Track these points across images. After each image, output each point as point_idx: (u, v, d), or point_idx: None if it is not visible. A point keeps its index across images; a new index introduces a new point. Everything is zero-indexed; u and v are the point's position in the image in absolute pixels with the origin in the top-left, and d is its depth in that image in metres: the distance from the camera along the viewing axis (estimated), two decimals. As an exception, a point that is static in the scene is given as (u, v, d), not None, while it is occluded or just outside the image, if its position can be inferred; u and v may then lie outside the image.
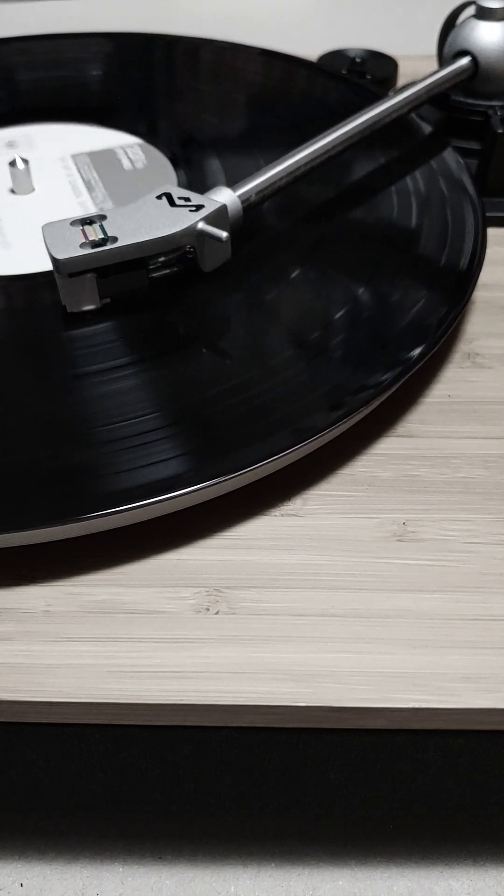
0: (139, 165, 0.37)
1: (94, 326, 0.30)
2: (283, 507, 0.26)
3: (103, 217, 0.30)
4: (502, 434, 0.29)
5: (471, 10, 0.41)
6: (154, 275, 0.31)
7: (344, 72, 0.47)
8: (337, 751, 0.23)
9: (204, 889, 0.26)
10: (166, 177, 0.38)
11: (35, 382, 0.28)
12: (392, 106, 0.37)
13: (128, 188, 0.37)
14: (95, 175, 0.37)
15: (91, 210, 0.36)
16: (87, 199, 0.36)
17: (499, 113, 0.40)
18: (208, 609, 0.23)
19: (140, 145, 0.39)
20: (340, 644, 0.23)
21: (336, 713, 0.22)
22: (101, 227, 0.29)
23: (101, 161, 0.38)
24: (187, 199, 0.31)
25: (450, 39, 0.42)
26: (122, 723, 0.22)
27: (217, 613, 0.23)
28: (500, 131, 0.38)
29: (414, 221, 0.35)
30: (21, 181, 0.37)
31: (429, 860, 0.26)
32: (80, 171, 0.38)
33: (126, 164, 0.37)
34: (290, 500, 0.26)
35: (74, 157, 0.39)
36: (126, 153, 0.39)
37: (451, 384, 0.31)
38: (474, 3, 0.41)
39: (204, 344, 0.30)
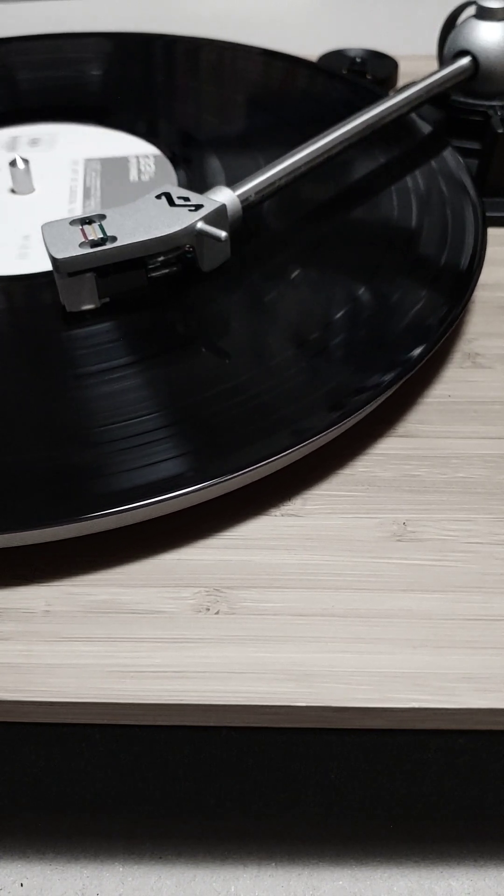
0: (145, 178, 0.37)
1: (94, 326, 0.30)
2: (283, 507, 0.26)
3: (103, 217, 0.30)
4: (502, 434, 0.29)
5: (471, 10, 0.41)
6: (153, 274, 0.31)
7: (344, 72, 0.47)
8: (337, 751, 0.23)
9: (204, 889, 0.26)
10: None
11: (35, 382, 0.28)
12: (392, 106, 0.37)
13: (124, 200, 0.37)
14: (98, 183, 0.37)
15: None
16: (79, 207, 0.36)
17: (499, 113, 0.40)
18: (208, 609, 0.23)
19: (155, 157, 0.39)
20: (340, 644, 0.23)
21: (336, 713, 0.22)
22: (101, 227, 0.29)
23: (110, 169, 0.38)
24: (186, 199, 0.31)
25: (450, 39, 0.42)
26: (122, 723, 0.22)
27: (217, 613, 0.23)
28: (500, 131, 0.38)
29: (414, 221, 0.35)
30: (21, 181, 0.37)
31: (429, 860, 0.26)
32: (85, 177, 0.38)
33: (133, 175, 0.37)
34: (290, 500, 0.26)
35: (87, 161, 0.39)
36: (138, 163, 0.38)
37: (451, 384, 0.31)
38: (474, 3, 0.41)
39: (203, 344, 0.30)
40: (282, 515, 0.26)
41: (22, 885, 0.26)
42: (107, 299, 0.30)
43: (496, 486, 0.27)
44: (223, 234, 0.29)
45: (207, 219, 0.30)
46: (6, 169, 0.38)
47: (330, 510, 0.26)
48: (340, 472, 0.27)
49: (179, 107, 0.44)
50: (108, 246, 0.29)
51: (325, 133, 0.34)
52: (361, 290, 0.31)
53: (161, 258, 0.30)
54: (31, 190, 0.37)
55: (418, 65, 0.48)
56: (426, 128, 0.40)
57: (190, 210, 0.30)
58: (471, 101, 0.41)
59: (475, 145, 0.40)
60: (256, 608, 0.23)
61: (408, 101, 0.37)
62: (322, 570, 0.24)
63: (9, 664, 0.22)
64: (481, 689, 0.22)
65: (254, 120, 0.43)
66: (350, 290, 0.31)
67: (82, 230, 0.29)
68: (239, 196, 0.31)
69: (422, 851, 0.26)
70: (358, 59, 0.48)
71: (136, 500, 0.24)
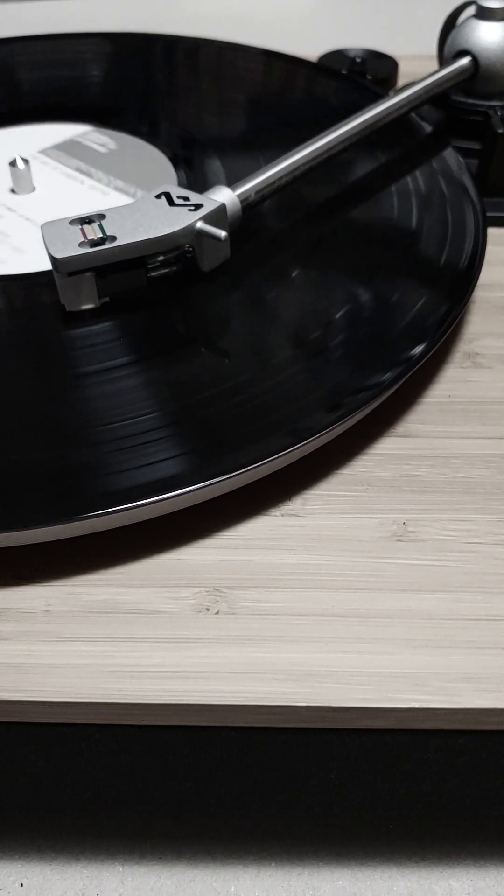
0: (112, 146, 0.37)
1: (93, 326, 0.30)
2: (283, 507, 0.26)
3: (102, 216, 0.30)
4: (502, 434, 0.29)
5: (471, 10, 0.41)
6: (153, 274, 0.31)
7: (344, 72, 0.47)
8: (337, 751, 0.23)
9: (204, 889, 0.26)
10: (141, 154, 0.38)
11: (35, 382, 0.28)
12: (392, 106, 0.37)
13: (119, 165, 0.37)
14: (81, 162, 0.37)
15: (105, 191, 0.35)
16: (95, 182, 0.36)
17: (499, 113, 0.40)
18: (208, 609, 0.23)
19: (95, 131, 0.39)
20: (340, 644, 0.23)
21: (336, 713, 0.22)
22: (100, 226, 0.29)
23: (74, 150, 0.38)
24: (186, 199, 0.31)
25: (450, 39, 0.42)
26: (122, 723, 0.22)
27: (217, 613, 0.23)
28: (500, 131, 0.38)
29: (414, 221, 0.35)
30: (21, 181, 0.37)
31: (429, 860, 0.26)
32: (61, 163, 0.38)
33: (98, 148, 0.37)
34: (290, 500, 0.26)
35: (43, 151, 0.39)
36: (90, 140, 0.39)
37: (451, 384, 0.31)
38: (474, 3, 0.41)
39: (203, 343, 0.30)
40: (282, 515, 0.26)
41: (22, 885, 0.26)
42: (106, 299, 0.30)
43: (496, 486, 0.27)
44: (223, 233, 0.29)
45: (207, 218, 0.30)
46: (5, 168, 0.38)
47: (330, 510, 0.26)
48: (340, 472, 0.27)
49: (179, 107, 0.44)
50: (108, 245, 0.29)
51: (325, 133, 0.34)
52: (361, 290, 0.31)
53: (161, 258, 0.30)
54: (32, 189, 0.37)
55: (418, 65, 0.48)
56: (426, 128, 0.40)
57: (189, 210, 0.30)
58: (471, 101, 0.41)
59: (475, 145, 0.40)
60: (256, 608, 0.23)
61: (408, 101, 0.37)
62: (322, 570, 0.24)
63: (9, 664, 0.22)
64: (481, 689, 0.22)
65: (254, 120, 0.43)
66: (350, 289, 0.31)
67: (82, 230, 0.29)
68: (239, 196, 0.31)
69: (422, 851, 0.26)
70: (358, 59, 0.48)
71: (135, 499, 0.24)
